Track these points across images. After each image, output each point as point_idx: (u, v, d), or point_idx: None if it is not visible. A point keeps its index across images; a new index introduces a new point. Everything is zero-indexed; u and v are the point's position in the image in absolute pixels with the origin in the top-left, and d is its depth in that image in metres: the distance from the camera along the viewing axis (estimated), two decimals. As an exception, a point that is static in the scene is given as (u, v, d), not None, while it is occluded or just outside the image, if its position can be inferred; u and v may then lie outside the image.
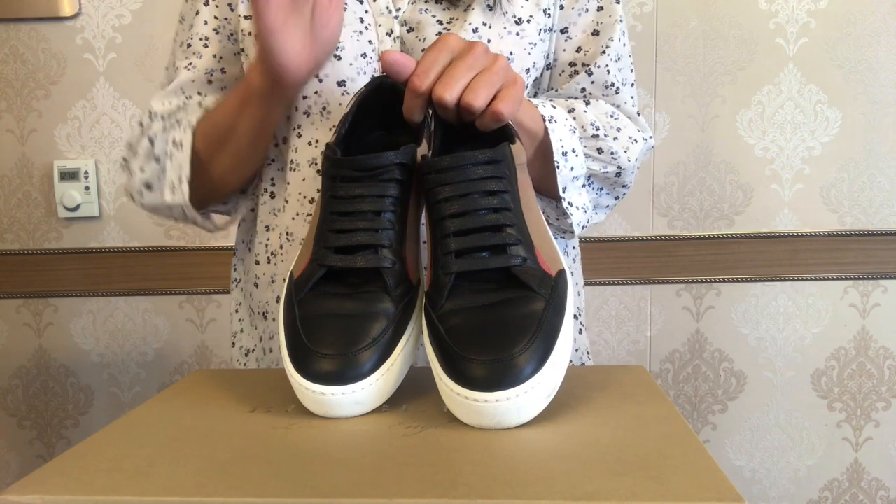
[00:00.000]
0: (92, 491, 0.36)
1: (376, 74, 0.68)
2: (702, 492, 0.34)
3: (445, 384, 0.44)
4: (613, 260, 1.45)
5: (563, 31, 0.73)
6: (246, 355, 0.78)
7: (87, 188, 1.44)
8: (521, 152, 0.52)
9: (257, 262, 0.75)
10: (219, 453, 0.40)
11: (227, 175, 0.72)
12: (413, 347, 0.51)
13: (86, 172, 1.43)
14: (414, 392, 0.50)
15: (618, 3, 0.74)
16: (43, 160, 1.44)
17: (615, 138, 0.71)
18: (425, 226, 0.53)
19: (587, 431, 0.42)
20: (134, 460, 0.40)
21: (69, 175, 1.43)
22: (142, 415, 0.48)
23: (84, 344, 1.50)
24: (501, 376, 0.42)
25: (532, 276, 0.47)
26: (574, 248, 0.80)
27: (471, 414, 0.43)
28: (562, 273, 0.48)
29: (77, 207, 1.44)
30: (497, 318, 0.45)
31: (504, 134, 0.54)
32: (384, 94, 0.57)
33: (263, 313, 0.74)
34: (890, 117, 1.41)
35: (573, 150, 0.67)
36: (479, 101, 0.51)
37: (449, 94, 0.51)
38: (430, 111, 0.55)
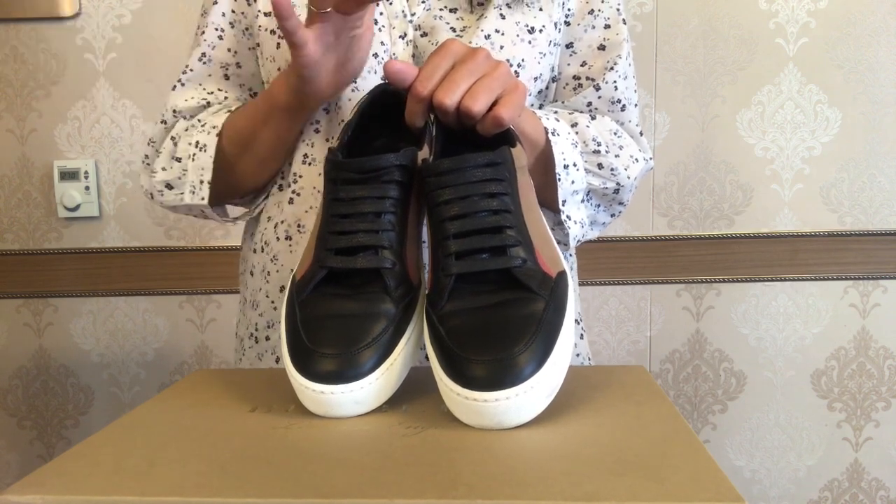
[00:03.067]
0: (92, 491, 0.36)
1: (384, 76, 0.68)
2: (702, 492, 0.34)
3: (445, 384, 0.44)
4: (613, 260, 1.45)
5: (568, 45, 0.74)
6: (241, 343, 0.79)
7: (87, 188, 1.44)
8: (521, 155, 0.52)
9: (254, 251, 0.76)
10: (219, 453, 0.40)
11: (248, 177, 0.73)
12: (413, 348, 0.51)
13: (86, 172, 1.43)
14: (414, 392, 0.50)
15: (624, 23, 0.75)
16: (43, 160, 1.44)
17: (616, 155, 0.72)
18: (426, 228, 0.53)
19: (587, 431, 0.42)
20: (134, 460, 0.40)
21: (69, 175, 1.43)
22: (142, 415, 0.48)
23: (84, 344, 1.50)
24: (501, 376, 0.42)
25: (532, 277, 0.47)
26: (571, 255, 0.80)
27: (471, 414, 0.43)
28: (562, 274, 0.49)
29: (77, 207, 1.44)
30: (497, 319, 0.45)
31: (505, 138, 0.54)
32: (387, 101, 0.57)
33: (254, 302, 0.75)
34: (890, 117, 1.41)
35: (574, 164, 0.68)
36: (478, 105, 0.51)
37: (449, 98, 0.52)
38: (432, 116, 0.55)
